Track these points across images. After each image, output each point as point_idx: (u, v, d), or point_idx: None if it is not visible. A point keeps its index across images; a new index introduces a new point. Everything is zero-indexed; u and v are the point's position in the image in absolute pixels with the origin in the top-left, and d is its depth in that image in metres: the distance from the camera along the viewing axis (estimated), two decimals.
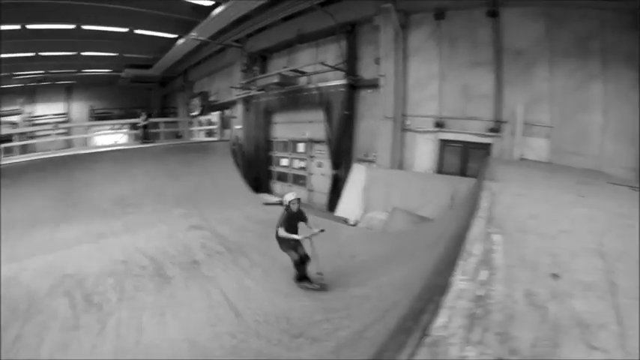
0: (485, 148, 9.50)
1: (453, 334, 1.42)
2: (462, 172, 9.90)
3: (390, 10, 10.46)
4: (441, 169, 10.34)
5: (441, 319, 1.52)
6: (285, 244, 6.68)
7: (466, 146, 9.85)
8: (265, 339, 5.05)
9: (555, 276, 1.82)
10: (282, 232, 6.52)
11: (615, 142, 7.92)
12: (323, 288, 6.45)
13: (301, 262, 6.68)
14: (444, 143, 10.25)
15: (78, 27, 15.81)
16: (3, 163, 11.48)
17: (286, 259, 7.37)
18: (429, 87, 10.45)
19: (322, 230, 6.65)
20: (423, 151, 10.59)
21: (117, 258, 8.40)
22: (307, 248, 6.70)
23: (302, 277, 6.74)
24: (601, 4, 7.85)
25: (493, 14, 9.18)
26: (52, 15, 14.11)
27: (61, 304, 6.44)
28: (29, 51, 18.50)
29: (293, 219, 6.75)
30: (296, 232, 6.63)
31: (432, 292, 2.18)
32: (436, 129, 10.25)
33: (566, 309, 1.53)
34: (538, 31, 8.67)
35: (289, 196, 6.76)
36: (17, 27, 14.71)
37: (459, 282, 1.82)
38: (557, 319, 1.46)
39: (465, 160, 9.92)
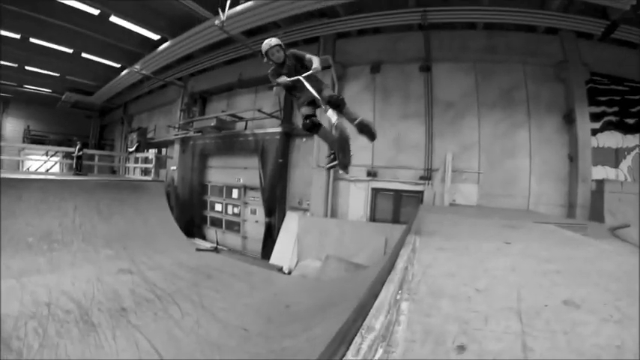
0: (417, 195, 9.65)
1: None
2: (395, 219, 9.95)
3: (329, 62, 10.53)
4: (374, 217, 10.34)
5: None
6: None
7: (398, 194, 9.96)
8: None
9: (461, 348, 1.55)
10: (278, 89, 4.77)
11: (542, 181, 8.56)
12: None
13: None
14: (377, 191, 10.30)
15: (25, 38, 14.99)
16: None
17: (218, 308, 7.43)
18: (363, 138, 10.33)
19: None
20: (356, 200, 10.58)
21: (40, 299, 7.61)
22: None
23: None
24: (524, 59, 8.66)
25: (426, 69, 9.58)
26: None
27: None
28: None
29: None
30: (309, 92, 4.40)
31: None
32: (369, 178, 10.30)
33: None
34: (467, 84, 9.21)
35: (268, 40, 4.66)
36: None
37: None
38: None
39: (398, 207, 10.00)
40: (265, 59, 4.79)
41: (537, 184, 8.43)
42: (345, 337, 2.18)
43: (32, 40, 15.19)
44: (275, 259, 11.49)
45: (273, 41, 4.62)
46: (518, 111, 8.63)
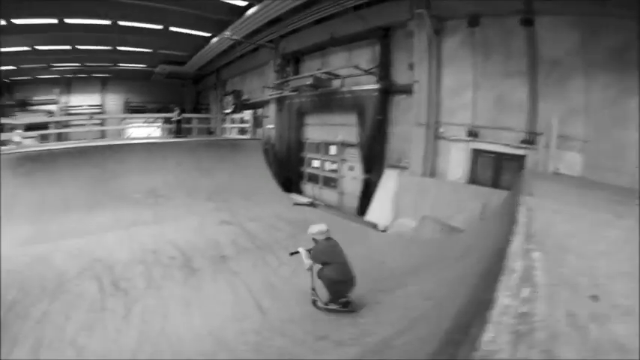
0: (519, 160, 9.36)
1: (500, 350, 1.48)
2: (494, 184, 9.79)
3: (424, 16, 10.46)
4: (473, 179, 10.26)
5: (488, 334, 1.58)
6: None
7: (499, 157, 9.74)
8: (289, 338, 5.10)
9: (595, 298, 1.85)
10: (307, 263, 6.23)
11: None
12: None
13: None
14: (477, 153, 10.18)
15: (114, 23, 16.57)
16: (37, 148, 12.20)
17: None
18: (463, 95, 10.43)
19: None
20: (456, 160, 10.56)
21: (146, 247, 8.77)
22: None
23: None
24: (637, 15, 7.53)
25: (528, 23, 9.03)
26: (88, 10, 14.90)
27: (89, 286, 6.81)
28: (66, 44, 19.48)
29: (329, 250, 6.09)
30: (345, 265, 6.01)
31: (478, 307, 2.20)
32: (469, 138, 10.21)
33: (606, 332, 1.57)
34: (573, 41, 8.48)
35: (316, 229, 6.32)
36: (55, 21, 15.63)
37: (503, 298, 1.87)
38: (597, 341, 1.50)
39: (498, 171, 9.82)
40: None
41: None
42: (492, 274, 2.48)
43: (121, 23, 16.75)
44: (371, 216, 11.87)
45: (317, 229, 6.25)
46: (629, 75, 7.62)
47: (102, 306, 6.10)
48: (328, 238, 6.11)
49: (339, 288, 5.78)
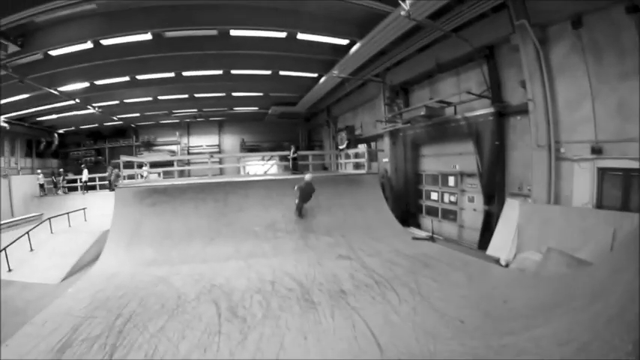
0: None
1: None
2: (625, 206, 9.33)
3: (526, 26, 10.73)
4: (600, 203, 9.90)
5: None
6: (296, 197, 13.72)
7: (628, 174, 9.28)
8: None
9: None
10: (295, 189, 13.67)
11: None
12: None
13: (299, 208, 13.99)
14: (603, 172, 9.84)
15: (226, 72, 20.41)
16: (162, 184, 15.73)
17: (435, 297, 8.20)
18: (581, 108, 10.20)
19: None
20: (581, 183, 10.32)
21: (265, 277, 9.97)
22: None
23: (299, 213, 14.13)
24: None
25: (634, 9, 8.56)
26: (202, 63, 18.67)
27: (206, 309, 7.90)
28: (184, 93, 24.79)
29: (305, 191, 13.31)
30: (309, 198, 13.72)
31: None
32: (593, 156, 9.94)
33: None
34: None
35: (308, 176, 13.82)
36: (172, 74, 20.19)
37: None
38: None
39: (628, 190, 9.34)
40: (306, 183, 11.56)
41: None
42: None
43: (232, 71, 20.37)
44: (492, 249, 11.97)
45: (310, 178, 12.58)
46: None
47: (218, 329, 6.93)
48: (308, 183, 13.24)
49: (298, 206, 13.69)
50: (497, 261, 11.28)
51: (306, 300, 8.36)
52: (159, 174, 21.19)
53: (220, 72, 20.36)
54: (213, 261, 11.52)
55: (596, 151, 9.88)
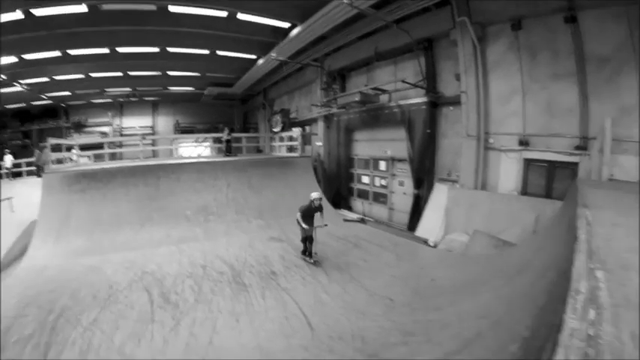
0: (572, 167, 9.36)
1: None
2: (548, 194, 9.85)
3: (466, 24, 10.81)
4: (525, 190, 10.35)
5: (558, 357, 1.75)
6: (300, 226, 9.39)
7: (551, 165, 9.79)
8: (338, 356, 5.24)
9: None
10: (298, 217, 9.34)
11: None
12: (316, 264, 9.17)
13: (304, 240, 9.62)
14: (529, 162, 10.28)
15: (163, 50, 18.71)
16: (92, 167, 14.07)
17: (364, 277, 8.15)
18: (512, 103, 10.58)
19: (326, 225, 9.56)
20: (507, 171, 10.69)
21: (196, 262, 9.56)
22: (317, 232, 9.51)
23: (303, 252, 9.77)
24: None
25: (571, 20, 9.05)
26: (139, 39, 17.02)
27: (139, 297, 7.47)
28: (118, 71, 22.51)
29: (312, 210, 9.41)
30: (312, 221, 9.41)
31: (548, 329, 2.38)
32: (520, 147, 10.35)
33: None
34: (621, 34, 8.32)
35: (314, 195, 9.53)
36: (107, 50, 18.06)
37: (570, 320, 2.00)
38: None
39: (550, 180, 9.86)
40: (310, 202, 9.46)
41: None
42: (557, 296, 2.64)
43: (169, 49, 18.73)
44: (421, 231, 12.20)
45: (318, 196, 9.57)
46: None
47: (151, 317, 6.63)
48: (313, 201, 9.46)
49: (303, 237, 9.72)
50: (425, 242, 11.46)
51: (238, 282, 8.20)
52: (89, 157, 19.40)
53: (157, 49, 18.70)
54: (145, 247, 10.74)
55: (523, 143, 10.28)
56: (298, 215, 9.30)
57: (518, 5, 10.08)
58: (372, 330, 5.88)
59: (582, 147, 9.14)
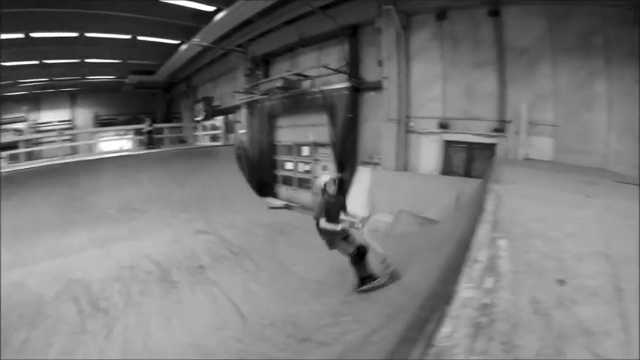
0: (490, 148, 9.48)
1: (457, 344, 1.42)
2: (467, 173, 9.89)
3: (392, 12, 10.46)
4: (446, 171, 10.33)
5: (445, 329, 1.52)
6: (331, 237, 5.94)
7: (471, 147, 9.84)
8: (272, 343, 5.06)
9: (561, 282, 1.80)
10: (324, 223, 5.73)
11: (621, 139, 7.89)
12: (393, 277, 5.86)
13: (359, 254, 5.91)
14: (449, 144, 10.25)
15: (81, 35, 16.10)
16: (8, 169, 11.66)
17: (292, 262, 7.68)
18: (433, 88, 10.48)
19: (358, 224, 6.17)
20: (428, 153, 10.59)
21: (123, 263, 8.55)
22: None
23: (363, 278, 5.95)
24: (602, 1, 7.84)
25: (494, 13, 9.19)
26: (55, 23, 14.33)
27: (68, 309, 6.56)
28: (33, 59, 18.91)
29: (333, 206, 5.95)
30: (338, 217, 5.97)
31: (437, 301, 2.18)
32: (440, 130, 10.25)
33: (572, 316, 1.53)
34: (540, 28, 8.66)
35: (324, 178, 6.11)
36: (21, 35, 15.05)
37: (465, 290, 1.81)
38: (562, 326, 1.45)
39: (470, 160, 9.92)
40: (322, 194, 6.11)
41: (617, 141, 7.86)
42: (456, 267, 2.42)
43: (88, 34, 16.27)
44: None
45: (331, 175, 6.23)
46: (596, 58, 7.95)
47: (82, 328, 5.91)
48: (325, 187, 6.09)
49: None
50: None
51: (166, 281, 7.60)
52: (2, 158, 16.63)
53: (75, 34, 16.02)
54: (69, 253, 9.27)
55: (443, 126, 10.18)
56: (322, 222, 5.76)
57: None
58: (303, 314, 5.75)
59: (500, 129, 9.28)
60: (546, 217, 2.99)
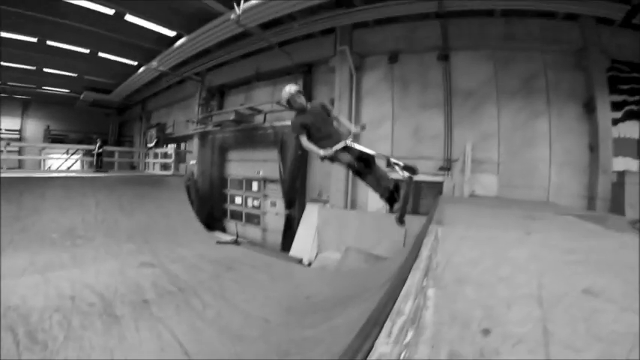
0: (437, 186, 9.58)
1: None
2: (415, 210, 9.86)
3: (346, 53, 10.64)
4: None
5: None
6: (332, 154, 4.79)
7: (418, 185, 9.88)
8: None
9: (486, 331, 1.65)
10: (306, 142, 4.93)
11: (562, 172, 8.44)
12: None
13: (365, 164, 5.05)
14: (396, 182, 10.14)
15: (42, 41, 15.49)
16: None
17: (239, 299, 7.40)
18: (382, 127, 10.58)
19: (363, 127, 5.12)
20: None
21: (64, 292, 7.83)
22: None
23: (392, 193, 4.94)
24: (543, 47, 8.53)
25: (444, 58, 9.54)
26: (16, 24, 13.68)
27: (3, 338, 5.96)
28: None
29: (319, 116, 5.01)
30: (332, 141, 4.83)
31: (354, 355, 2.08)
32: (387, 169, 10.13)
33: None
34: (486, 72, 9.14)
35: (288, 88, 5.01)
36: None
37: (382, 345, 1.70)
38: None
39: (417, 198, 9.95)
40: (287, 106, 5.23)
41: (557, 174, 8.32)
42: (377, 320, 2.29)
43: (49, 42, 15.64)
44: (295, 251, 11.58)
45: (293, 88, 5.00)
46: (538, 99, 8.52)
47: None
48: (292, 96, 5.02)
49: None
50: (300, 261, 10.84)
51: (109, 314, 6.94)
52: None
53: (35, 40, 15.34)
54: (6, 277, 8.32)
55: (391, 164, 10.10)
56: (304, 141, 4.99)
57: (397, 40, 10.36)
58: (249, 353, 5.46)
59: (446, 168, 9.47)
60: (482, 259, 2.87)
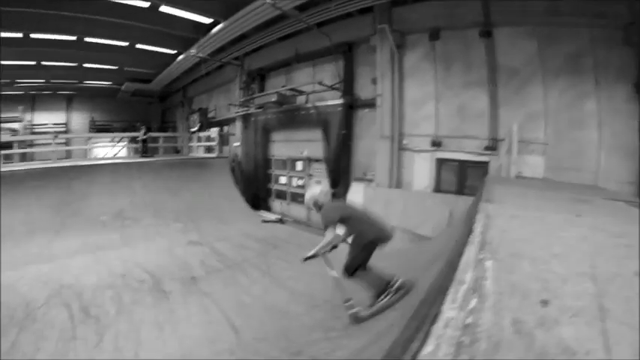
0: (482, 166, 9.53)
1: None
2: (460, 191, 9.92)
3: (386, 31, 10.61)
4: (438, 188, 10.37)
5: (428, 348, 1.52)
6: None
7: (463, 165, 9.90)
8: (264, 356, 4.99)
9: (544, 302, 1.79)
10: (332, 239, 5.34)
11: (611, 156, 8.04)
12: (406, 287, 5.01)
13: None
14: (441, 162, 10.31)
15: (80, 39, 16.32)
16: (3, 169, 11.50)
17: (285, 277, 7.66)
18: (425, 107, 10.57)
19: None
20: (421, 170, 10.63)
21: (115, 271, 8.48)
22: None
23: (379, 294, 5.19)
24: (590, 22, 8.06)
25: (486, 34, 9.36)
26: (54, 25, 14.50)
27: (58, 314, 6.49)
28: (31, 59, 19.04)
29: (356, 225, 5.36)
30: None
31: (422, 321, 2.16)
32: (433, 148, 10.31)
33: (553, 336, 1.51)
34: (530, 50, 8.85)
35: (314, 190, 5.50)
36: (19, 35, 15.13)
37: (449, 310, 1.81)
38: (543, 346, 1.44)
39: (463, 178, 9.97)
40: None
41: (606, 158, 8.01)
42: (441, 287, 2.44)
43: (87, 39, 16.49)
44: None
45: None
46: (585, 79, 8.15)
47: (72, 334, 5.83)
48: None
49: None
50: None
51: (158, 290, 7.52)
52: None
53: (74, 38, 16.20)
54: (60, 257, 9.18)
55: (436, 144, 10.25)
56: (330, 237, 5.37)
57: (437, 17, 10.16)
58: (295, 328, 5.64)
59: (492, 148, 9.37)
60: (534, 237, 2.97)
